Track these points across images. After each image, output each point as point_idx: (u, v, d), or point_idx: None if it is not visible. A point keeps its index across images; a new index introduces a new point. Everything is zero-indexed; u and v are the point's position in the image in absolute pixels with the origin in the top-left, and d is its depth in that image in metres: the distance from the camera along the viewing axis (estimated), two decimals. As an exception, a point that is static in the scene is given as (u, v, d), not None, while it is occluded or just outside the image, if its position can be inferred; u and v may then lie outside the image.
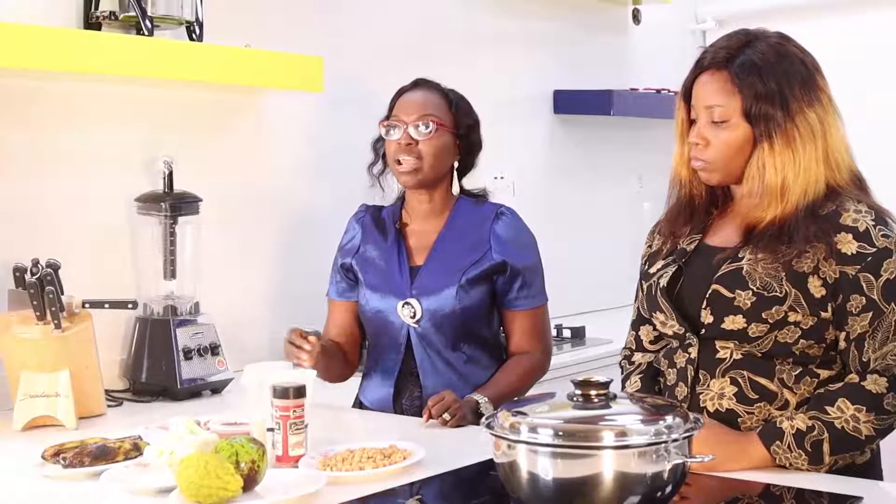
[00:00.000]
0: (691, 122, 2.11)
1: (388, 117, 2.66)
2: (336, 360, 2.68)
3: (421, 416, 2.45)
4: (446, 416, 2.39)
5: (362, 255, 2.70)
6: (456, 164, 2.68)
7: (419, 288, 2.61)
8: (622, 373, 2.33)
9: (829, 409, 1.98)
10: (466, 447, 2.19)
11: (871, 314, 1.99)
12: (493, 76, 4.05)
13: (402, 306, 2.60)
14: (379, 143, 2.70)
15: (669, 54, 4.81)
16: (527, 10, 4.25)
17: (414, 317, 2.59)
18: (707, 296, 2.07)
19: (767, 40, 2.07)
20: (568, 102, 4.36)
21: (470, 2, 4.03)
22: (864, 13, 4.58)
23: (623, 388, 2.28)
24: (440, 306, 2.58)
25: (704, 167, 2.09)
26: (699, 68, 2.09)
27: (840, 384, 2.02)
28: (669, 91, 4.51)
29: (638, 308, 2.28)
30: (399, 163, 2.60)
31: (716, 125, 2.06)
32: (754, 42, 2.06)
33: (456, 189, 2.68)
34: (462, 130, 2.66)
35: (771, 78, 2.02)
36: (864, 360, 2.01)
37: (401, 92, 2.68)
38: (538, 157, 4.34)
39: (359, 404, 2.72)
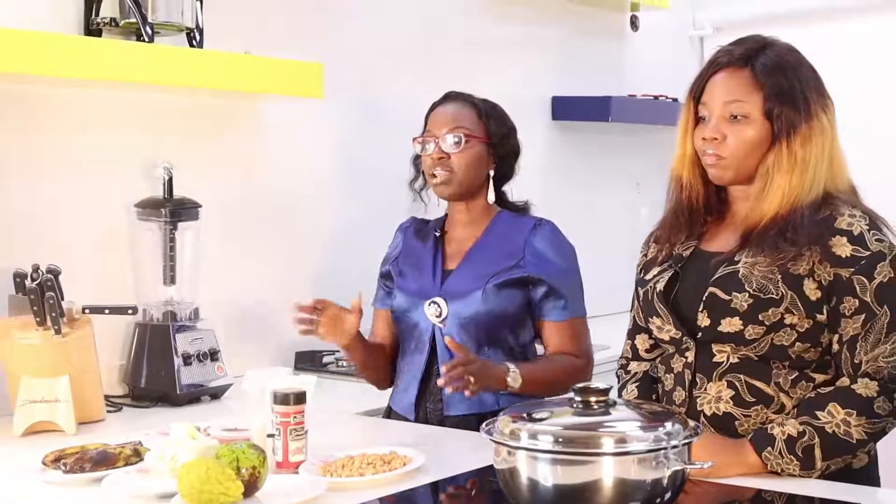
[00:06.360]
0: (696, 123, 2.13)
1: (422, 133, 2.68)
2: (381, 358, 2.73)
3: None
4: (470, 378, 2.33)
5: (400, 260, 2.73)
6: (492, 173, 2.68)
7: (447, 290, 2.62)
8: (618, 382, 2.33)
9: (819, 413, 1.99)
10: (466, 453, 2.20)
11: (863, 316, 2.01)
12: (492, 82, 4.02)
13: (429, 305, 2.61)
14: (418, 159, 2.72)
15: (667, 61, 4.83)
16: (525, 17, 4.25)
17: (439, 316, 2.60)
18: (704, 299, 2.08)
19: (781, 46, 2.12)
20: (566, 109, 4.37)
21: (469, 9, 4.04)
22: (865, 19, 4.59)
23: (619, 397, 2.28)
24: (465, 308, 2.58)
25: (718, 163, 2.10)
26: (715, 67, 2.11)
27: (830, 388, 2.03)
28: (667, 97, 4.52)
29: (634, 317, 2.29)
30: (433, 176, 2.63)
31: (734, 121, 2.07)
32: (771, 45, 2.11)
33: (491, 198, 2.68)
34: (495, 139, 2.67)
35: (793, 78, 2.06)
36: (855, 362, 2.02)
37: (433, 107, 2.70)
38: (536, 163, 4.33)
39: (388, 411, 2.72)
